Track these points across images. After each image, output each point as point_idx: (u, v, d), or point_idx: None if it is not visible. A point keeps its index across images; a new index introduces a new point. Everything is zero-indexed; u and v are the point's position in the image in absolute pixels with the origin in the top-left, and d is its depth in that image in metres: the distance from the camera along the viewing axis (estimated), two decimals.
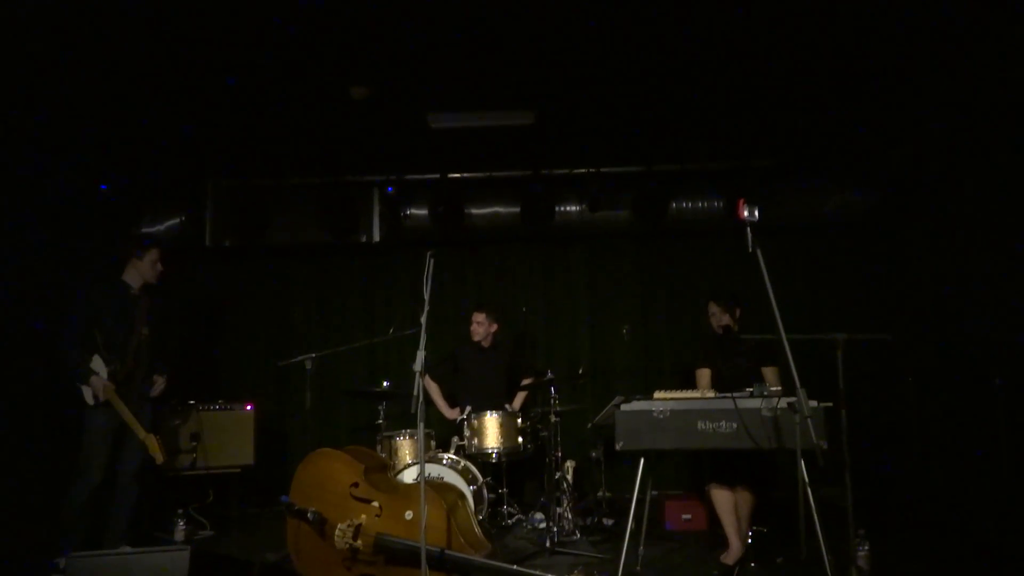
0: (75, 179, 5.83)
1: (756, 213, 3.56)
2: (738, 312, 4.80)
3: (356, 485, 4.01)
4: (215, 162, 6.19)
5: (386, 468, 4.55)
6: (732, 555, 4.36)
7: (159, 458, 4.56)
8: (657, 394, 4.04)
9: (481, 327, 5.98)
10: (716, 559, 4.41)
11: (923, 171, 5.87)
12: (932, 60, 4.67)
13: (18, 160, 5.27)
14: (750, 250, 3.52)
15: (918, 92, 5.11)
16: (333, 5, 3.96)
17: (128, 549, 4.26)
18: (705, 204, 6.34)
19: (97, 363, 4.53)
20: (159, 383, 4.87)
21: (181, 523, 5.23)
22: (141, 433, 4.53)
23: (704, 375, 4.83)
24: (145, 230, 6.24)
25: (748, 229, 3.53)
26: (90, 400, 4.52)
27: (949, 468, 5.61)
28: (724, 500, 4.44)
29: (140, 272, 4.83)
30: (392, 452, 5.37)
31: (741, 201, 3.58)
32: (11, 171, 5.25)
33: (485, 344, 6.02)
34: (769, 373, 4.57)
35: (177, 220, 6.33)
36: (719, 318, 4.78)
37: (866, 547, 4.02)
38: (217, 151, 5.98)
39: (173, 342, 5.12)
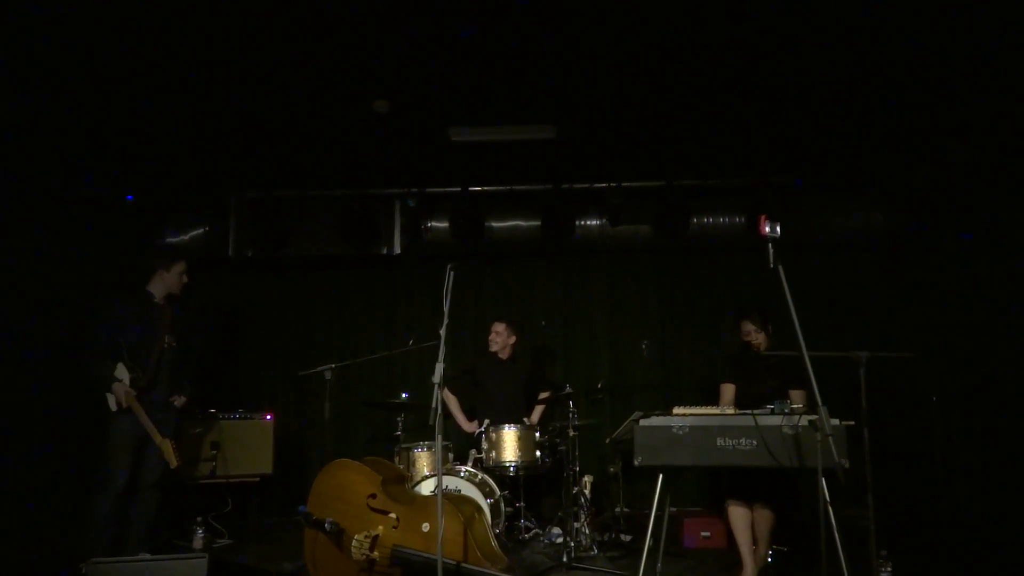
0: (101, 189, 5.93)
1: (777, 229, 3.54)
2: (770, 329, 4.75)
3: (374, 496, 4.02)
4: (239, 174, 6.27)
5: (404, 480, 4.56)
6: (747, 575, 4.31)
7: (173, 462, 4.61)
8: (676, 410, 4.02)
9: (500, 337, 5.99)
10: None
11: (946, 189, 5.81)
12: (957, 78, 4.63)
13: (45, 171, 5.37)
14: (771, 266, 3.49)
15: (942, 111, 5.07)
16: (356, 20, 4.01)
17: (147, 556, 4.29)
18: (726, 220, 6.33)
19: (121, 371, 4.61)
20: (179, 401, 4.94)
21: (200, 531, 5.26)
22: (157, 438, 4.58)
23: (728, 391, 4.80)
24: (169, 240, 6.34)
25: (769, 245, 3.51)
26: (113, 407, 4.59)
27: (973, 488, 5.52)
28: (740, 518, 4.40)
29: (165, 283, 4.91)
30: (410, 464, 5.37)
31: (763, 217, 3.55)
32: (39, 181, 5.35)
33: (503, 356, 6.03)
34: (797, 396, 4.48)
35: (201, 231, 6.42)
36: (754, 336, 4.72)
37: (889, 568, 3.95)
38: (241, 163, 6.05)
39: (195, 351, 5.16)
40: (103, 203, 6.00)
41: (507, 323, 6.04)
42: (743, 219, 6.27)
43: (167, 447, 4.59)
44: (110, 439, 4.60)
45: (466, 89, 4.89)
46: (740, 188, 6.28)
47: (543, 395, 5.99)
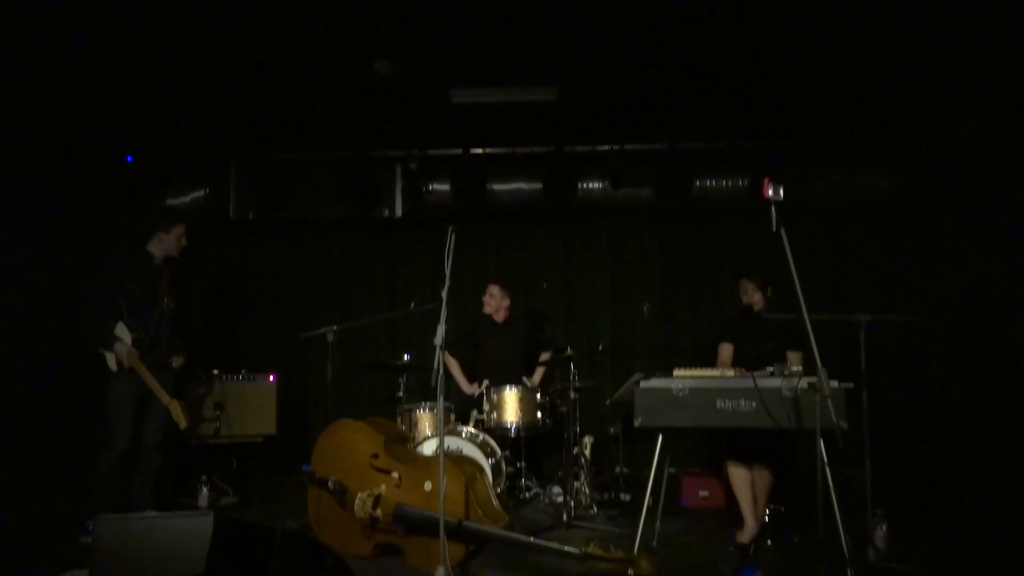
0: (101, 151, 5.89)
1: (781, 192, 3.52)
2: (769, 291, 4.76)
3: (376, 456, 4.07)
4: (239, 135, 6.22)
5: (406, 440, 4.60)
6: (747, 533, 4.37)
7: (182, 423, 4.61)
8: (677, 372, 4.04)
9: (494, 300, 6.00)
10: (732, 537, 4.43)
11: (951, 153, 5.76)
12: (962, 40, 4.57)
13: (45, 132, 5.33)
14: (774, 229, 3.48)
15: (947, 73, 5.01)
16: None
17: (153, 513, 4.35)
18: (729, 183, 6.28)
19: (121, 330, 4.59)
20: (177, 362, 4.94)
21: (204, 490, 5.33)
22: (165, 398, 4.58)
23: (726, 350, 4.82)
24: (169, 202, 6.31)
25: (772, 208, 3.49)
26: (113, 366, 4.58)
27: (970, 451, 5.57)
28: (740, 478, 4.45)
29: (164, 245, 4.88)
30: (412, 424, 5.42)
31: (766, 179, 3.53)
32: (39, 143, 5.32)
33: (499, 319, 6.05)
34: (794, 357, 4.51)
35: (201, 193, 6.38)
36: (751, 296, 4.73)
37: (884, 527, 4.00)
38: (241, 125, 6.01)
39: (197, 314, 5.17)
40: (103, 164, 5.96)
41: (501, 286, 6.05)
42: (746, 182, 6.22)
43: (175, 408, 4.59)
44: (110, 399, 4.59)
45: (468, 50, 4.83)
46: (744, 151, 6.22)
47: (544, 357, 6.02)
